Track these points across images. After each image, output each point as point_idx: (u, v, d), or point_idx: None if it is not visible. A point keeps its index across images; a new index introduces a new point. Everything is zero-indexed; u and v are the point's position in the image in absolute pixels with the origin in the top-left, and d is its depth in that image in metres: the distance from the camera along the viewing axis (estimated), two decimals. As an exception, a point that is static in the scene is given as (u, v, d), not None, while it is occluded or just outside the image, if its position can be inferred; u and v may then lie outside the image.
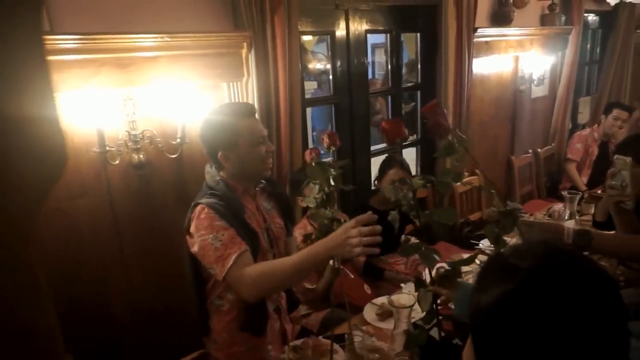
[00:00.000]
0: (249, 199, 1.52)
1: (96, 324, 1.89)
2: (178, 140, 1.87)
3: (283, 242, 1.62)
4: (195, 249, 1.37)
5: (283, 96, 2.16)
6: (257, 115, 1.52)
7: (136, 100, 1.80)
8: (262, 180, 1.57)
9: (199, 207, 1.39)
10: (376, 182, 2.59)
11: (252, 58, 2.03)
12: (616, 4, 4.24)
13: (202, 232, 1.35)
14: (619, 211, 1.54)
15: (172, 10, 1.87)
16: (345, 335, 1.63)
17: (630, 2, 4.38)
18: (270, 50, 2.07)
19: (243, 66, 2.03)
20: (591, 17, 4.42)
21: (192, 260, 1.43)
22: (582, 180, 3.69)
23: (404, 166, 2.54)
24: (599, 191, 3.29)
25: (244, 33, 1.97)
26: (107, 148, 1.73)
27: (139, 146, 1.82)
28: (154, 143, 1.87)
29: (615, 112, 3.54)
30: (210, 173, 1.47)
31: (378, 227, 1.18)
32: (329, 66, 2.76)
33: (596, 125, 3.72)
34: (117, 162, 1.79)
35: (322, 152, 1.56)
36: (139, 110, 1.82)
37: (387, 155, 2.83)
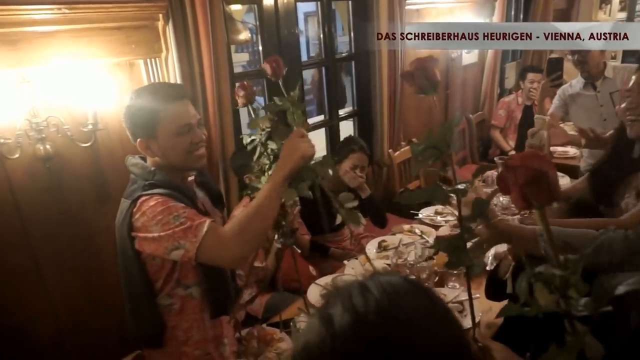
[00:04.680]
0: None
1: (14, 346, 1.68)
2: (90, 126, 1.66)
3: None
4: (149, 240, 1.18)
5: (208, 73, 1.98)
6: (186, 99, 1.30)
7: (34, 83, 1.56)
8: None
9: (143, 198, 1.19)
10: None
11: (170, 31, 1.83)
12: (536, -29, 4.40)
13: (159, 217, 1.16)
14: None
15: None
16: (292, 322, 1.57)
17: (548, -31, 4.55)
18: (191, 22, 1.87)
19: (160, 40, 1.83)
20: (514, -16, 4.53)
21: (137, 259, 1.25)
22: (510, 144, 3.85)
23: (366, 150, 2.43)
24: (527, 154, 3.45)
25: (159, 3, 1.77)
26: (2, 140, 1.49)
27: (43, 135, 1.59)
28: (61, 131, 1.64)
29: (530, 76, 3.69)
30: (139, 164, 1.28)
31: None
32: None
33: (520, 90, 3.86)
34: (17, 155, 1.55)
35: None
36: (39, 95, 1.58)
37: (348, 136, 2.67)
